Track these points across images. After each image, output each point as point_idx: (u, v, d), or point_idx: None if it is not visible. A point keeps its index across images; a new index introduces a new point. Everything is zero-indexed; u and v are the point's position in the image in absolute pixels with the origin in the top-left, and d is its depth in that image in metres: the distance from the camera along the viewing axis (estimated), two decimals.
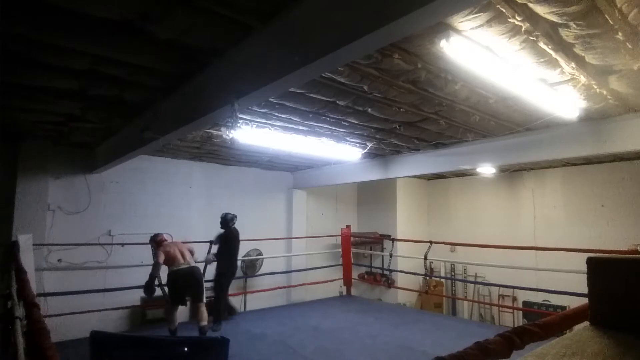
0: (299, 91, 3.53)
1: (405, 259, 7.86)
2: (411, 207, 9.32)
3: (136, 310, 6.11)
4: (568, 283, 4.86)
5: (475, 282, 8.12)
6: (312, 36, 2.08)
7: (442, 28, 2.41)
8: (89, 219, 5.98)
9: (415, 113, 4.26)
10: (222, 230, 5.56)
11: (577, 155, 4.97)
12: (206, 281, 5.84)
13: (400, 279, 8.19)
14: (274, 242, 7.77)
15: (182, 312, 6.62)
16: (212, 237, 5.69)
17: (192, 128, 3.67)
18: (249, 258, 7.07)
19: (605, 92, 3.48)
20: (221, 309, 5.41)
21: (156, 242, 4.86)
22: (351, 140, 5.58)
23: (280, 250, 8.16)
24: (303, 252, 8.19)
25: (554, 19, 2.26)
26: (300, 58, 2.11)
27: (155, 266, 4.60)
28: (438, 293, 8.58)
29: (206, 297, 5.06)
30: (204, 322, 4.69)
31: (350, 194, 9.81)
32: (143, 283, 5.51)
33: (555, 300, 6.66)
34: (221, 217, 5.52)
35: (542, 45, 2.57)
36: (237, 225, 7.73)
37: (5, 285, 3.15)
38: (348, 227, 8.07)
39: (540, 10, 2.21)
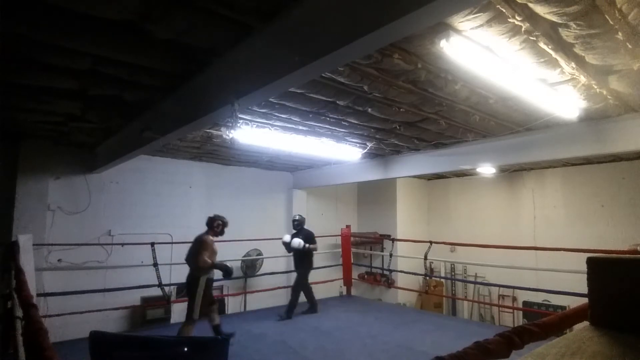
0: (299, 91, 3.53)
1: (405, 259, 7.86)
2: (411, 207, 9.32)
3: (136, 310, 6.12)
4: (568, 283, 4.86)
5: (475, 282, 8.12)
6: (312, 36, 2.08)
7: (442, 28, 2.41)
8: (89, 219, 5.98)
9: (415, 113, 4.26)
10: (288, 234, 6.08)
11: (577, 155, 4.97)
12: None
13: (400, 279, 8.19)
14: (274, 242, 7.74)
15: (183, 311, 6.64)
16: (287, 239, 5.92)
17: (192, 128, 3.67)
18: (249, 258, 7.07)
19: (605, 92, 3.48)
20: (296, 300, 5.87)
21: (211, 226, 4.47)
22: (351, 140, 5.58)
23: (281, 250, 8.12)
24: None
25: (554, 19, 2.26)
26: (300, 58, 2.11)
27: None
28: (438, 293, 8.58)
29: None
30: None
31: (350, 194, 9.81)
32: (143, 283, 5.54)
33: (555, 300, 6.66)
34: (303, 219, 6.11)
35: (542, 45, 2.57)
36: (237, 225, 7.78)
37: (5, 285, 3.15)
38: (348, 227, 8.07)
39: (540, 10, 2.21)
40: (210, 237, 4.34)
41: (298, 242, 5.72)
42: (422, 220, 9.62)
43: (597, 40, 2.49)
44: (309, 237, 5.85)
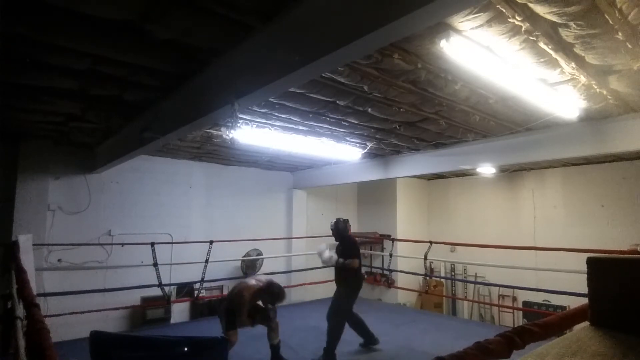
0: (299, 91, 3.53)
1: (405, 259, 7.86)
2: (411, 207, 9.32)
3: (136, 310, 6.12)
4: (568, 283, 4.86)
5: (475, 282, 8.12)
6: (312, 36, 2.08)
7: (442, 28, 2.41)
8: (89, 219, 5.98)
9: (415, 113, 4.26)
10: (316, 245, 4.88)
11: (577, 155, 4.97)
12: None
13: (400, 279, 8.19)
14: (274, 242, 7.77)
15: (183, 311, 6.67)
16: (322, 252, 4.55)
17: (192, 128, 3.67)
18: (249, 258, 7.07)
19: (605, 92, 3.48)
20: (335, 336, 4.21)
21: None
22: (351, 140, 5.58)
23: (280, 250, 8.15)
24: (303, 252, 8.19)
25: (554, 19, 2.26)
26: (300, 58, 2.11)
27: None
28: (438, 293, 8.58)
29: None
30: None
31: (350, 194, 9.82)
32: (143, 283, 5.54)
33: (555, 300, 6.65)
34: (342, 223, 4.58)
35: (542, 45, 2.57)
36: (237, 225, 7.71)
37: (5, 285, 3.15)
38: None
39: (540, 10, 2.21)
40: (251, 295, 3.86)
41: (328, 255, 4.43)
42: (422, 220, 9.62)
43: (597, 40, 2.49)
44: (347, 249, 4.47)
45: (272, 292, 3.89)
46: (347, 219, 4.67)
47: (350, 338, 4.89)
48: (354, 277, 4.42)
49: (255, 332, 4.98)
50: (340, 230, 4.57)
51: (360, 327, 4.56)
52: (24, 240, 3.91)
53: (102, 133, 4.99)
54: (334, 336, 4.16)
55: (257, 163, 7.56)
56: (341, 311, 4.29)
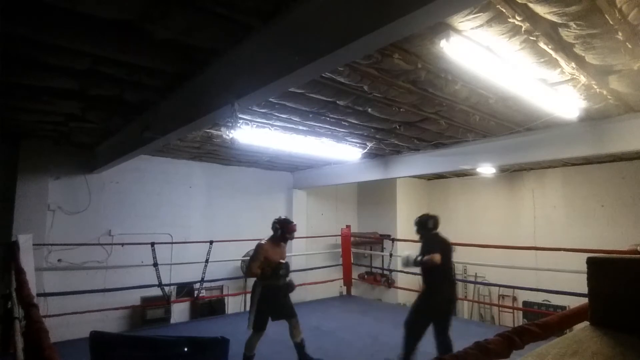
0: (299, 91, 3.53)
1: None
2: (411, 207, 9.31)
3: (136, 310, 6.12)
4: (568, 283, 4.86)
5: (475, 282, 8.11)
6: (312, 36, 2.08)
7: (442, 28, 2.41)
8: (89, 219, 5.99)
9: (415, 113, 4.26)
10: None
11: (577, 155, 4.97)
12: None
13: (400, 279, 8.18)
14: None
15: (183, 311, 6.67)
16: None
17: (192, 128, 3.68)
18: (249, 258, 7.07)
19: (605, 92, 3.48)
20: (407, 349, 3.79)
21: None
22: (351, 140, 5.58)
23: None
24: (303, 252, 8.18)
25: (554, 19, 2.26)
26: (300, 58, 2.11)
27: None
28: None
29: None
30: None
31: (350, 194, 9.82)
32: (143, 283, 5.53)
33: (555, 300, 6.66)
34: (424, 219, 4.03)
35: (542, 45, 2.57)
36: (237, 225, 7.69)
37: (5, 285, 3.15)
38: (348, 227, 8.06)
39: (540, 10, 2.21)
40: (268, 243, 3.88)
41: (406, 253, 3.92)
42: None
43: (597, 40, 2.49)
44: (425, 246, 3.78)
45: (284, 219, 4.02)
46: (435, 216, 4.09)
47: (350, 337, 4.89)
48: (429, 284, 3.78)
49: None
50: (421, 224, 4.00)
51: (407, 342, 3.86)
52: (24, 240, 3.91)
53: (102, 133, 4.99)
54: (407, 343, 3.80)
55: (257, 163, 7.55)
56: (410, 318, 3.83)
